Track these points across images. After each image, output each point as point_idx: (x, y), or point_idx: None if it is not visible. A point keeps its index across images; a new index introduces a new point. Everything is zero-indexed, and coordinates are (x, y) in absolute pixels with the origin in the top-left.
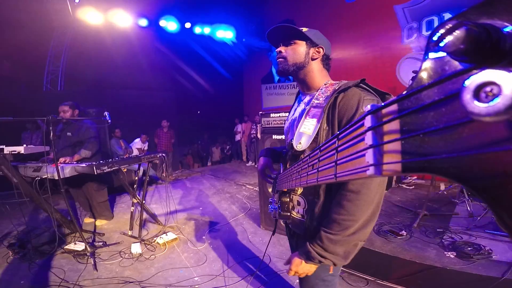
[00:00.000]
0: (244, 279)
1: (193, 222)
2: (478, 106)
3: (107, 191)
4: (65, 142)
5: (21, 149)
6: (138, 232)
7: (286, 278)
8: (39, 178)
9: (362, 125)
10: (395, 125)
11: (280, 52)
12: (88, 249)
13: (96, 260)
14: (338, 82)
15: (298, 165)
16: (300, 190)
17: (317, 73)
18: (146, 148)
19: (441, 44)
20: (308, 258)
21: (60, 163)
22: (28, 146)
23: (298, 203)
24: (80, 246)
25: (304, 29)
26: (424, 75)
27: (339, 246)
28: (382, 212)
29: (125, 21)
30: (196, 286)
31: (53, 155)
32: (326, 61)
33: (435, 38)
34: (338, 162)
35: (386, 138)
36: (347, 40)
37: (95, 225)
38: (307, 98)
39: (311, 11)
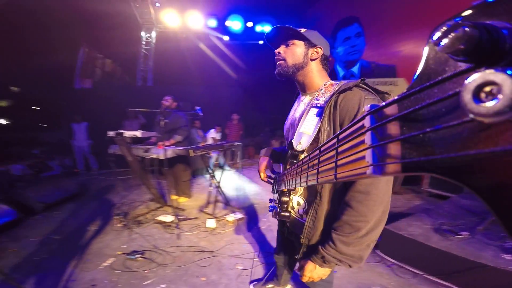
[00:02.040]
0: None
1: (256, 206)
2: (478, 106)
3: (190, 173)
4: (162, 129)
5: (138, 133)
6: (213, 210)
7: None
8: (148, 158)
9: (362, 125)
10: (395, 125)
11: (279, 53)
12: (176, 220)
13: (179, 231)
14: (337, 82)
15: (298, 165)
16: (300, 191)
17: (316, 74)
18: (219, 138)
19: (441, 44)
20: (324, 262)
21: (162, 146)
22: (143, 131)
23: (298, 204)
24: (168, 218)
25: (303, 30)
26: (424, 75)
27: (353, 248)
28: (446, 213)
29: (197, 22)
30: (255, 259)
31: (155, 139)
32: (325, 61)
33: (435, 37)
34: (338, 162)
35: (386, 138)
36: (420, 35)
37: (177, 202)
38: (307, 99)
39: (379, 5)
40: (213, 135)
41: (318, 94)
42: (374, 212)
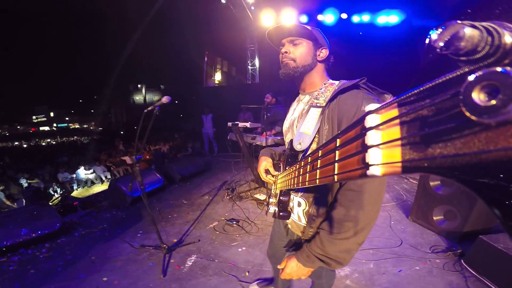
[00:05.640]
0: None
1: None
2: (478, 107)
3: None
4: (265, 121)
5: (247, 124)
6: None
7: (401, 262)
8: (254, 144)
9: (362, 125)
10: (394, 125)
11: (286, 52)
12: (267, 199)
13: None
14: (337, 82)
15: (298, 165)
16: (300, 191)
17: (319, 74)
18: None
19: (441, 44)
20: (308, 261)
21: (265, 135)
22: (251, 122)
23: (299, 204)
24: (262, 196)
25: (308, 28)
26: (424, 75)
27: (338, 248)
28: None
29: (290, 19)
30: None
31: (260, 129)
32: (328, 61)
33: (435, 37)
34: (337, 162)
35: (386, 138)
36: None
37: None
38: (306, 98)
39: None
40: None
41: (318, 94)
42: (365, 212)
